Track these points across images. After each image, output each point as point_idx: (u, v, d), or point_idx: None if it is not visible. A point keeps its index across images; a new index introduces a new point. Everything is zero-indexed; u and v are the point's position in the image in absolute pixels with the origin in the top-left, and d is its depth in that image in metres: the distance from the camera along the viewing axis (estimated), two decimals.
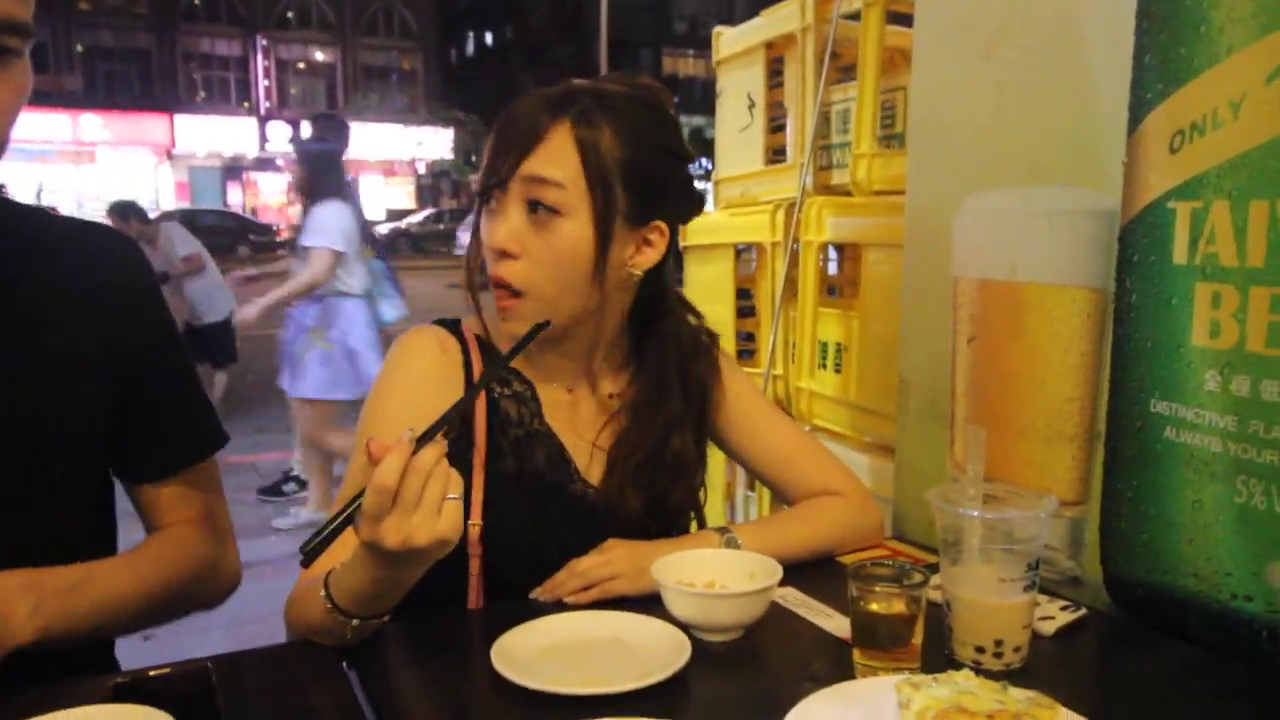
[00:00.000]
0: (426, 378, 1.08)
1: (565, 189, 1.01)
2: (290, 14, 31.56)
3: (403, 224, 26.54)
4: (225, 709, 0.78)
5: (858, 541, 1.20)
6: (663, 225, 1.09)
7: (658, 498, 1.14)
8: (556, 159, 1.02)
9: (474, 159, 33.98)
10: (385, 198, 32.39)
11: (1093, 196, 1.11)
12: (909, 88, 1.76)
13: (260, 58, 30.95)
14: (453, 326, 1.14)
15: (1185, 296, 0.99)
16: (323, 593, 0.88)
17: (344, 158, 4.00)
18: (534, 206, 1.02)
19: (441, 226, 25.90)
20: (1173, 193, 1.01)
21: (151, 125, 28.03)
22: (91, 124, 27.03)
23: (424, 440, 0.80)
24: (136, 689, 0.77)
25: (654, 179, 1.07)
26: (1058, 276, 1.17)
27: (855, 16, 1.98)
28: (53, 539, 0.95)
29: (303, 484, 4.30)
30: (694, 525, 1.21)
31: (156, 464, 1.05)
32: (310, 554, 0.80)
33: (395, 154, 32.59)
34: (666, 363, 1.15)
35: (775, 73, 2.30)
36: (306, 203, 3.71)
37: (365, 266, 3.80)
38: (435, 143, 32.62)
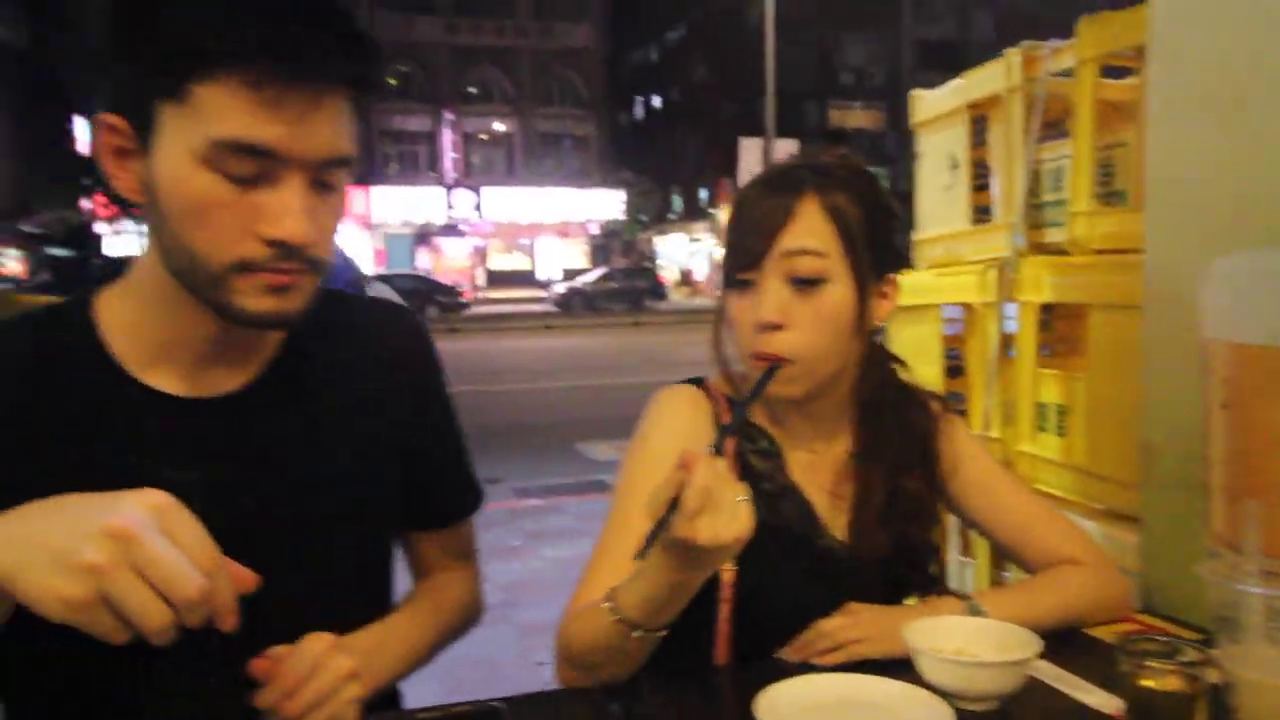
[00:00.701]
0: (681, 432, 1.15)
1: (826, 256, 1.08)
2: (472, 89, 33.78)
3: (577, 283, 27.49)
4: None
5: (1105, 613, 1.16)
6: (894, 278, 1.16)
7: (901, 542, 1.16)
8: (811, 230, 1.08)
9: (643, 218, 34.95)
10: (561, 258, 33.73)
11: None
12: (1136, 144, 1.71)
13: (447, 131, 33.24)
14: (699, 384, 1.21)
15: None
16: (607, 604, 0.94)
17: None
18: (797, 279, 1.08)
19: (614, 284, 26.62)
20: None
21: (353, 198, 30.59)
22: None
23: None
24: None
25: (884, 236, 1.14)
26: None
27: (1061, 73, 1.96)
28: (341, 605, 0.99)
29: None
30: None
31: (431, 519, 1.14)
32: (642, 555, 0.87)
33: (569, 216, 34.00)
34: (884, 408, 1.20)
35: (977, 132, 2.29)
36: None
37: None
38: (607, 203, 33.78)
